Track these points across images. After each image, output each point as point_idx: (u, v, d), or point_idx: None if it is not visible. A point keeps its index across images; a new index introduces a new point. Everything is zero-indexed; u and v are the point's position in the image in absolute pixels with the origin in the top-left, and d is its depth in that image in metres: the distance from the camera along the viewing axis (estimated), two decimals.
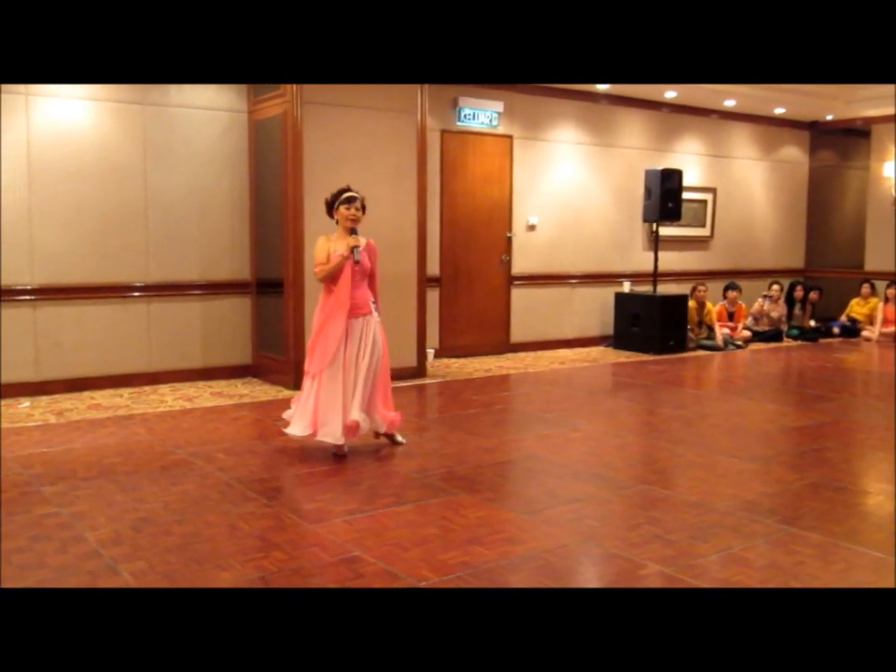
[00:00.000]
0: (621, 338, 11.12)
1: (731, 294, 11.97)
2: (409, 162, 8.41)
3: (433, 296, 9.69)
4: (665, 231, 11.65)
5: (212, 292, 8.43)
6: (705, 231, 12.73)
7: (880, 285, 12.61)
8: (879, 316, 12.36)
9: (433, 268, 9.61)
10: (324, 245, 5.60)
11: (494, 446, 6.01)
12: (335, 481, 5.24)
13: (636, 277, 11.76)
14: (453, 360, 9.92)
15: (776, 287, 12.32)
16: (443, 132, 9.90)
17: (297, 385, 7.40)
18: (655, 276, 11.14)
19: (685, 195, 11.39)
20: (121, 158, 7.87)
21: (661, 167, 11.04)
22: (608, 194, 11.53)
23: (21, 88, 7.33)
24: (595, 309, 11.47)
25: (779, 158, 13.59)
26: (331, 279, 5.55)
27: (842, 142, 13.92)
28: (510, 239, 10.55)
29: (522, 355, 10.49)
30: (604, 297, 11.44)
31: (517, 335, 10.76)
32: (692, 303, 11.27)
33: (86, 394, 7.66)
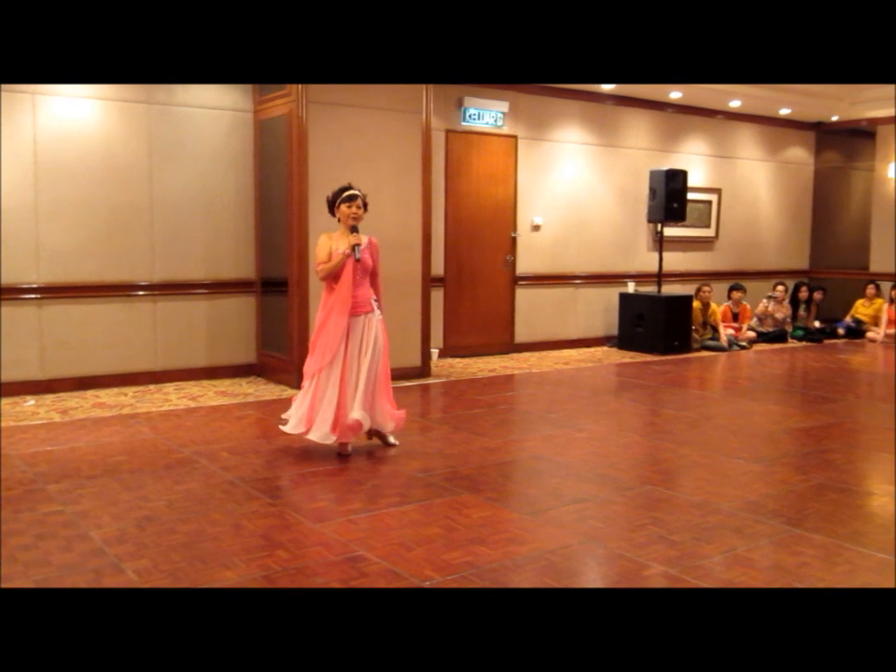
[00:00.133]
0: (625, 338, 11.12)
1: (735, 295, 11.96)
2: (413, 162, 8.41)
3: (437, 296, 9.69)
4: (670, 231, 11.64)
5: (217, 291, 8.44)
6: (709, 232, 12.72)
7: (885, 286, 12.59)
8: (884, 318, 12.34)
9: (437, 268, 9.61)
10: (325, 243, 5.60)
11: (498, 446, 6.01)
12: (339, 480, 5.24)
13: (640, 278, 11.75)
14: (457, 360, 9.92)
15: (780, 287, 12.31)
16: (448, 131, 9.90)
17: (300, 384, 7.41)
18: (660, 277, 11.14)
19: (690, 196, 11.37)
20: (127, 157, 7.88)
21: (666, 167, 11.03)
22: (612, 194, 11.52)
23: (28, 87, 7.34)
24: (600, 309, 11.47)
25: (784, 159, 13.57)
26: (333, 277, 5.55)
27: (847, 143, 13.89)
28: (514, 239, 10.55)
29: (526, 355, 10.49)
30: (608, 297, 11.44)
31: (521, 335, 10.76)
32: (696, 304, 11.25)
33: (91, 392, 7.68)
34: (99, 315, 7.86)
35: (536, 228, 10.75)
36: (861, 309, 12.78)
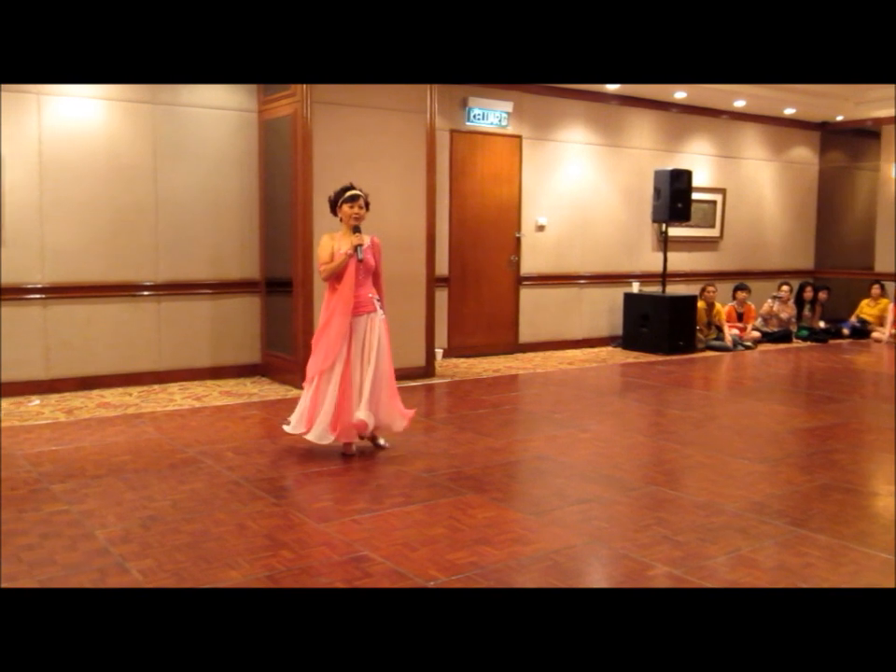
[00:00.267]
0: (629, 338, 11.11)
1: (740, 295, 11.95)
2: (418, 162, 8.42)
3: (442, 296, 9.69)
4: (675, 231, 11.64)
5: (221, 291, 8.44)
6: (714, 232, 12.71)
7: (890, 286, 12.58)
8: (889, 318, 12.32)
9: (442, 268, 9.61)
10: (328, 243, 5.59)
11: (502, 446, 6.01)
12: (343, 480, 5.25)
13: (645, 278, 11.74)
14: (461, 360, 9.92)
15: (785, 287, 12.30)
16: (453, 131, 9.90)
17: (303, 385, 7.43)
18: (664, 277, 11.13)
19: (694, 196, 11.37)
20: (132, 157, 7.89)
21: (670, 167, 11.02)
22: (617, 194, 11.52)
23: (33, 87, 7.35)
24: (604, 309, 11.46)
25: (789, 159, 13.56)
26: (336, 278, 5.55)
27: (852, 143, 13.88)
28: (518, 239, 10.55)
29: (530, 355, 10.48)
30: (613, 297, 11.43)
31: (526, 335, 10.76)
32: (701, 304, 11.24)
33: (95, 392, 7.69)
34: (103, 314, 7.87)
35: (540, 228, 10.75)
36: (866, 309, 12.76)
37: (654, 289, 11.37)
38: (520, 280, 10.64)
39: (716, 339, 11.30)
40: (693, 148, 12.28)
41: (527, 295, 10.73)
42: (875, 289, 12.66)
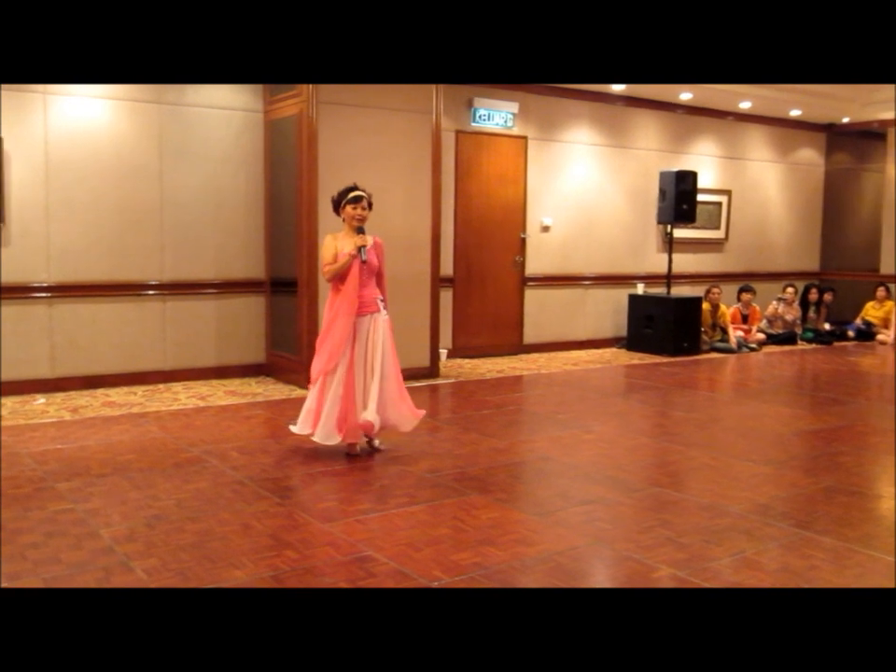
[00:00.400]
0: (634, 340, 11.10)
1: (745, 296, 11.93)
2: (423, 163, 8.42)
3: (446, 296, 9.69)
4: (680, 233, 11.62)
5: (226, 291, 8.45)
6: (719, 234, 12.70)
7: (895, 288, 12.54)
8: (894, 319, 12.31)
9: (447, 268, 9.61)
10: (331, 244, 5.59)
11: (506, 447, 6.01)
12: (348, 480, 5.25)
13: (649, 279, 11.73)
14: (466, 361, 9.92)
15: (790, 289, 12.28)
16: (458, 132, 9.90)
17: (308, 385, 7.42)
18: (669, 278, 11.12)
19: (700, 197, 11.35)
20: (137, 157, 7.90)
21: (675, 169, 11.02)
22: (622, 196, 11.51)
23: (39, 86, 7.37)
24: (609, 310, 11.45)
25: (795, 160, 13.54)
26: (339, 278, 5.55)
27: (858, 145, 13.85)
28: (523, 240, 10.55)
29: (535, 356, 10.48)
30: (617, 298, 11.42)
31: (530, 336, 10.75)
32: (705, 306, 11.23)
33: (100, 391, 7.70)
34: (109, 314, 7.88)
35: (545, 229, 10.75)
36: (872, 311, 12.74)
37: (659, 291, 11.37)
38: (525, 281, 10.63)
39: (720, 340, 11.28)
40: (699, 150, 12.27)
41: (532, 296, 10.72)
42: (881, 291, 12.64)
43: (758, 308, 12.05)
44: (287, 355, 8.31)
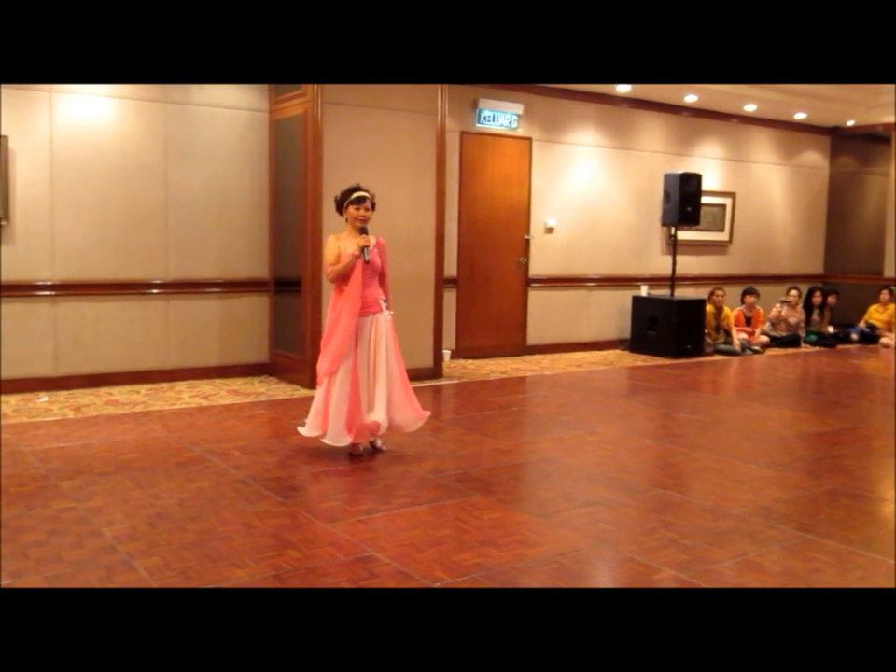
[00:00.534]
0: (637, 341, 11.10)
1: (749, 299, 11.92)
2: (428, 163, 8.42)
3: (450, 297, 9.69)
4: (684, 235, 11.61)
5: (230, 290, 8.46)
6: (723, 236, 12.69)
7: None
8: None
9: (450, 269, 9.61)
10: (334, 244, 5.59)
11: (509, 448, 6.01)
12: (350, 480, 5.25)
13: (653, 281, 11.72)
14: (469, 362, 9.92)
15: (794, 292, 12.27)
16: (463, 133, 9.90)
17: (313, 384, 7.40)
18: (673, 280, 11.11)
19: (704, 199, 11.35)
20: (143, 156, 7.91)
21: (680, 171, 11.01)
22: (626, 197, 11.51)
23: (45, 85, 7.37)
24: (613, 312, 11.45)
25: (799, 163, 13.53)
26: (342, 279, 5.55)
27: (862, 148, 13.83)
28: (527, 241, 10.55)
29: (538, 357, 10.48)
30: (621, 300, 11.42)
31: (534, 337, 10.75)
32: (709, 308, 11.22)
33: (104, 390, 7.71)
34: (113, 312, 7.89)
35: (549, 230, 10.74)
36: (875, 314, 12.73)
37: (663, 293, 11.36)
38: (528, 282, 10.63)
39: (724, 343, 11.28)
40: (704, 152, 12.27)
41: (536, 297, 10.72)
42: (884, 294, 12.62)
43: (761, 311, 12.04)
44: (290, 354, 8.31)
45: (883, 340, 12.34)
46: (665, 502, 4.87)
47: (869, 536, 4.38)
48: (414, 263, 8.26)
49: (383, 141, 8.11)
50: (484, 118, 10.03)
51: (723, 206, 12.58)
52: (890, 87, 10.47)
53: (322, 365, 5.57)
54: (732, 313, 11.60)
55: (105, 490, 4.86)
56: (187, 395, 7.61)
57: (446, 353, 9.34)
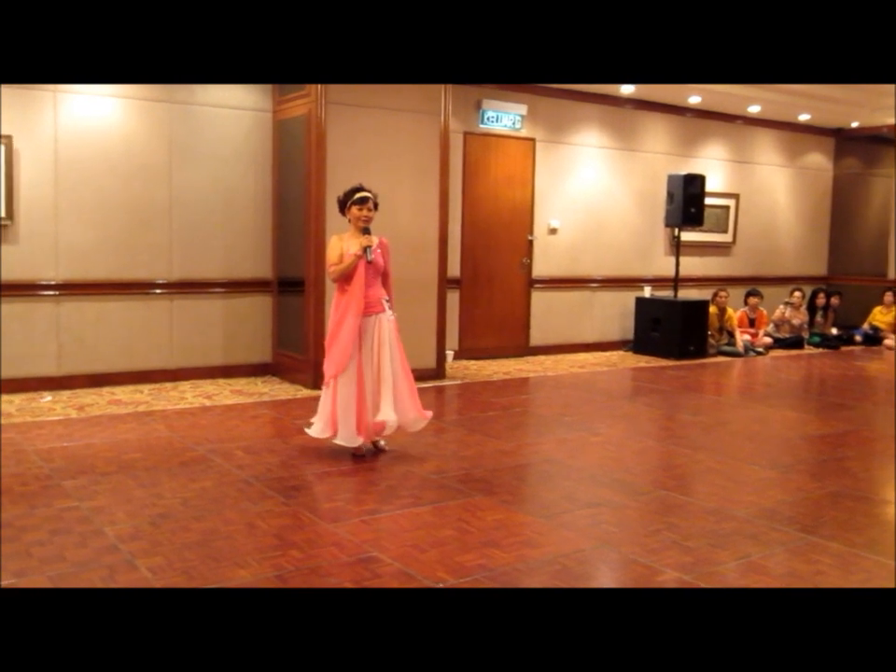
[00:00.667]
0: (641, 343, 11.09)
1: (752, 300, 11.91)
2: (431, 164, 8.42)
3: (453, 298, 9.69)
4: (687, 236, 11.61)
5: (234, 290, 8.46)
6: (727, 237, 12.68)
7: None
8: None
9: (454, 270, 9.61)
10: (336, 244, 5.58)
11: (512, 449, 6.01)
12: (353, 480, 5.25)
13: (657, 282, 11.71)
14: (472, 362, 9.92)
15: (797, 294, 12.26)
16: (466, 133, 9.90)
17: (316, 385, 7.41)
18: (676, 281, 11.10)
19: (708, 200, 11.34)
20: (147, 155, 7.92)
21: (684, 172, 11.00)
22: (630, 198, 11.50)
23: (49, 85, 7.38)
24: (616, 313, 11.44)
25: (803, 164, 13.51)
26: (345, 279, 5.55)
27: (867, 149, 13.81)
28: (531, 242, 10.54)
29: (541, 358, 10.47)
30: (624, 301, 11.41)
31: (537, 338, 10.74)
32: (713, 309, 11.21)
33: (107, 389, 7.71)
34: (116, 312, 7.90)
35: (553, 231, 10.74)
36: (879, 316, 12.71)
37: (666, 294, 11.34)
38: (531, 283, 10.63)
39: (727, 344, 11.27)
40: (707, 153, 12.26)
41: (539, 298, 10.72)
42: (888, 296, 12.61)
43: (765, 312, 12.03)
44: (293, 354, 8.31)
45: (887, 342, 12.32)
46: (668, 504, 4.86)
47: (872, 538, 4.38)
48: (417, 264, 8.26)
49: (386, 141, 8.11)
50: (488, 118, 10.02)
51: (727, 208, 12.57)
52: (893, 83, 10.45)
53: (329, 367, 5.55)
54: (735, 314, 11.59)
55: (107, 489, 4.86)
56: (190, 395, 7.62)
57: (449, 353, 9.34)
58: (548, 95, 10.44)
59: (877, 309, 12.76)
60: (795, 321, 12.14)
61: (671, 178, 10.95)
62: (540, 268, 10.68)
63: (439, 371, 8.65)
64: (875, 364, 11.05)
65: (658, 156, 11.67)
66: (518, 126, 10.27)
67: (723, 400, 8.52)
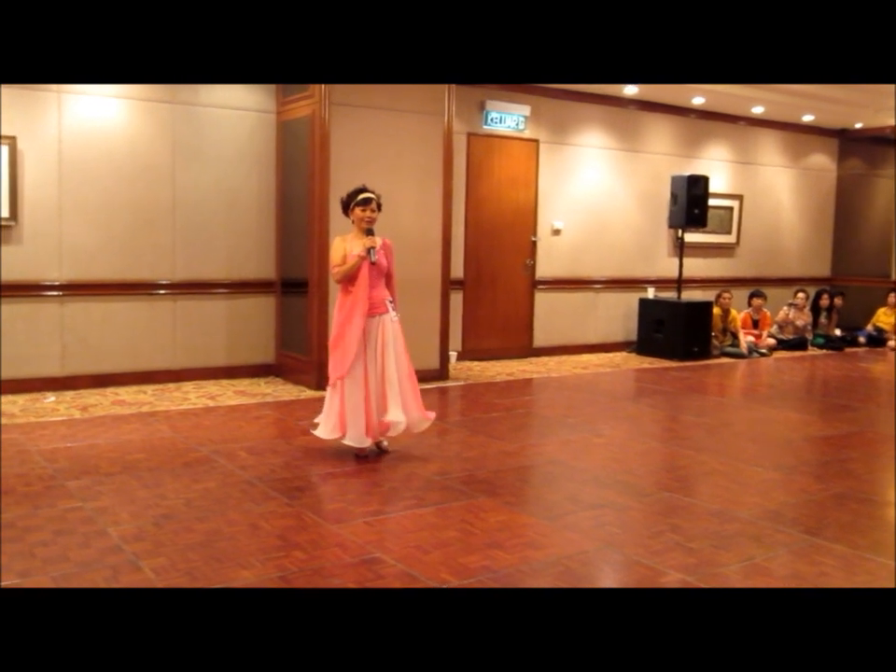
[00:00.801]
0: (644, 344, 11.08)
1: (756, 302, 11.90)
2: (435, 165, 8.42)
3: (456, 299, 9.69)
4: (691, 237, 11.59)
5: (237, 291, 8.47)
6: (730, 238, 12.67)
7: None
8: None
9: (457, 271, 9.61)
10: (339, 245, 5.58)
11: (515, 450, 6.00)
12: (357, 481, 5.25)
13: (660, 283, 11.70)
14: (475, 363, 9.91)
15: (801, 295, 12.24)
16: (470, 134, 9.90)
17: (319, 385, 7.43)
18: (680, 283, 11.09)
19: (711, 202, 11.33)
20: (150, 156, 7.93)
21: (687, 173, 11.00)
22: (633, 199, 11.49)
23: (53, 85, 7.39)
24: (619, 314, 11.43)
25: (807, 165, 13.50)
26: (349, 280, 5.55)
27: (870, 150, 13.80)
28: (534, 243, 10.54)
29: (545, 359, 10.47)
30: (628, 302, 11.40)
31: (540, 339, 10.74)
32: (716, 310, 11.21)
33: (110, 390, 7.72)
34: (120, 312, 7.90)
35: (556, 232, 10.74)
36: (883, 317, 12.70)
37: (670, 295, 11.34)
38: (535, 284, 10.62)
39: (731, 345, 11.26)
40: (711, 154, 12.25)
41: (542, 299, 10.71)
42: (892, 297, 12.59)
43: (769, 313, 12.02)
44: (296, 355, 8.31)
45: (891, 343, 12.31)
46: (671, 505, 4.86)
47: (876, 540, 4.37)
48: (421, 265, 8.25)
49: (390, 142, 8.11)
50: (492, 119, 10.02)
51: (731, 209, 12.56)
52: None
53: (334, 368, 5.55)
54: (739, 315, 11.58)
55: (111, 490, 4.86)
56: (193, 395, 7.62)
57: (452, 354, 9.34)
58: (551, 96, 10.44)
59: (881, 310, 12.74)
60: (799, 322, 12.12)
61: (674, 179, 10.95)
62: (544, 269, 10.67)
63: (442, 372, 8.65)
64: (878, 365, 11.04)
65: (661, 157, 11.67)
66: (521, 127, 10.27)
67: (727, 402, 8.51)
